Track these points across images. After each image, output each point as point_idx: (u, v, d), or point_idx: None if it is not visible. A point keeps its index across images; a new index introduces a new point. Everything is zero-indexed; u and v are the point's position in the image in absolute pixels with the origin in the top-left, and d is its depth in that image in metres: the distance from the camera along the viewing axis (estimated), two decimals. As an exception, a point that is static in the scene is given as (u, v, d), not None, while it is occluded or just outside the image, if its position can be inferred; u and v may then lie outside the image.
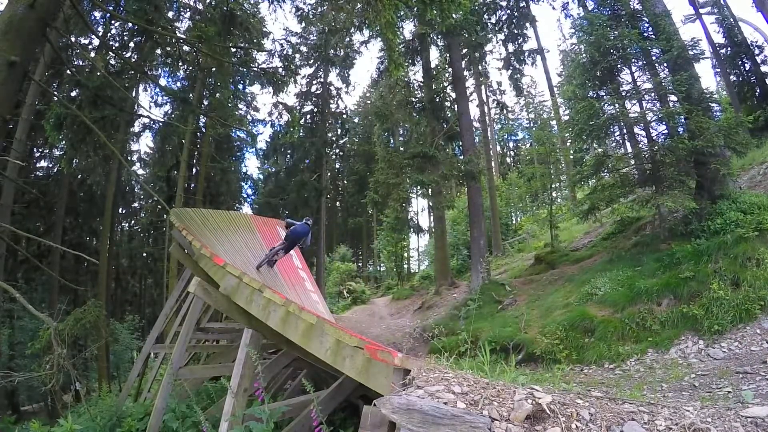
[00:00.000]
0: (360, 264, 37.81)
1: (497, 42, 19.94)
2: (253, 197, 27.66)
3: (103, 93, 10.51)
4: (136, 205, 26.22)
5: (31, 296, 14.59)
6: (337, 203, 38.84)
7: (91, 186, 19.58)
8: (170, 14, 17.04)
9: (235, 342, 7.37)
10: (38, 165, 19.52)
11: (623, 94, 10.60)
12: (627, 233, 11.96)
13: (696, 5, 18.13)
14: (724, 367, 5.75)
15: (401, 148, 20.28)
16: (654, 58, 10.38)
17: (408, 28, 17.53)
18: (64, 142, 11.56)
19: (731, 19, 18.48)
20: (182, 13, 18.21)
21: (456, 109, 16.07)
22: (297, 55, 22.47)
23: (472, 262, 14.20)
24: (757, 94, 17.71)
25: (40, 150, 19.01)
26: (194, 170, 22.36)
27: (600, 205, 10.86)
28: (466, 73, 18.96)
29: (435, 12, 8.05)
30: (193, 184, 21.84)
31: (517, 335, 8.63)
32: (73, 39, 14.26)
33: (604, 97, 10.75)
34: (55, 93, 13.22)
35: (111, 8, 12.40)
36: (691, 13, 18.46)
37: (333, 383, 4.72)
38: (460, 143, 16.08)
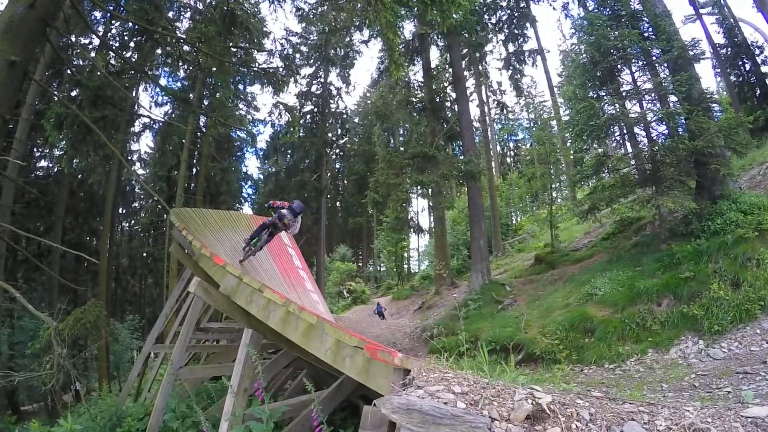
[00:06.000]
0: (360, 264, 37.82)
1: (497, 42, 19.97)
2: (253, 197, 27.71)
3: (103, 93, 10.51)
4: (136, 205, 26.22)
5: (31, 296, 14.57)
6: (337, 203, 38.83)
7: (91, 186, 19.60)
8: (170, 14, 17.04)
9: (235, 342, 7.38)
10: (38, 165, 19.54)
11: (623, 94, 10.58)
12: (627, 233, 11.95)
13: (696, 5, 18.13)
14: (724, 367, 5.73)
15: (401, 148, 20.30)
16: (654, 58, 10.36)
17: (408, 28, 17.54)
18: (64, 141, 11.55)
19: (731, 20, 18.49)
20: (182, 13, 18.24)
21: (456, 109, 16.06)
22: (297, 55, 22.51)
23: (472, 262, 14.19)
24: (757, 94, 17.73)
25: (40, 150, 19.02)
26: (194, 170, 22.39)
27: (600, 205, 10.84)
28: (466, 73, 18.97)
29: (435, 12, 8.03)
30: (193, 184, 21.85)
31: (517, 335, 8.61)
32: (73, 39, 14.28)
33: (605, 97, 10.74)
34: (55, 93, 13.23)
35: (111, 8, 12.38)
36: (691, 13, 18.49)
37: (333, 383, 4.72)
38: (460, 143, 16.07)
